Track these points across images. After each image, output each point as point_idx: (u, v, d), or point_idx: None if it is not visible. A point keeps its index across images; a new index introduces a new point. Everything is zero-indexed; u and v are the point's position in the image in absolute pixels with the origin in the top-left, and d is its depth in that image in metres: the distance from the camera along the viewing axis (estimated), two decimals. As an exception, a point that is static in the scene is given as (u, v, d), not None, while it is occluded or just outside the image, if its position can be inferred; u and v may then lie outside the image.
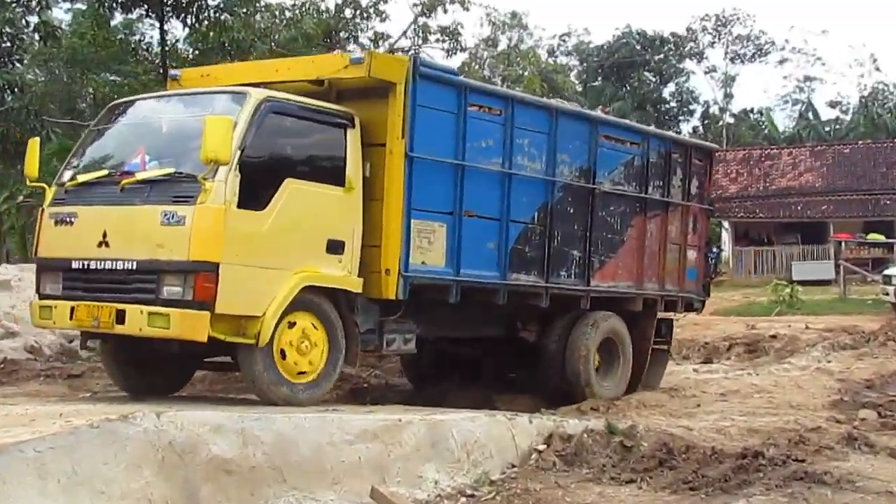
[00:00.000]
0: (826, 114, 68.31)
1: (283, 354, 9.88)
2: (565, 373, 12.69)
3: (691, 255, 14.69)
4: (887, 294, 28.38)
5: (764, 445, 9.71)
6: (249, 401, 10.17)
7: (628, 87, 65.81)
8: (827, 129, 64.13)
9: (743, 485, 8.47)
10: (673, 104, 68.68)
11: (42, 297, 10.45)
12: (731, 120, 69.06)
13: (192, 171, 9.51)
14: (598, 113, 14.46)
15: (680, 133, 58.11)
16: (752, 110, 70.18)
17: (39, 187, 10.68)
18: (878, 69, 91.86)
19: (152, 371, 10.87)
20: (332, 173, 10.40)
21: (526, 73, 36.95)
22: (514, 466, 9.07)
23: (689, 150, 14.80)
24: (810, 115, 64.42)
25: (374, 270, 10.63)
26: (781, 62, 70.75)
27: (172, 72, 12.58)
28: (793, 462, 9.06)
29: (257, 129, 9.82)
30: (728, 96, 69.23)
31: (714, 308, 25.76)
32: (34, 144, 10.73)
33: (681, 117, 68.52)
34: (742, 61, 68.58)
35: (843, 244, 39.21)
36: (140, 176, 9.81)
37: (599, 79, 66.83)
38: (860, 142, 52.11)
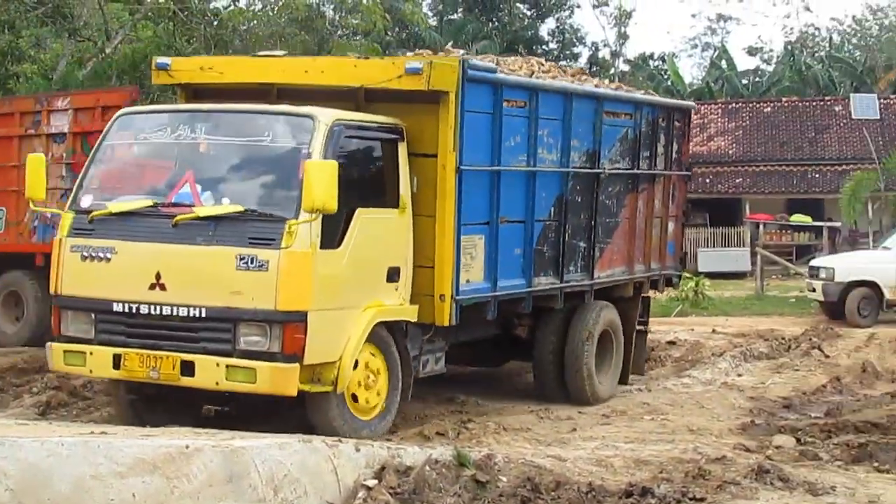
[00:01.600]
0: (743, 63, 70.36)
1: (353, 397, 11.62)
2: (564, 371, 14.83)
3: (671, 227, 17.26)
4: (814, 290, 29.28)
5: (654, 480, 9.95)
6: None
7: (496, 23, 66.20)
8: (744, 81, 65.75)
9: (626, 530, 8.69)
10: (553, 45, 69.31)
11: (64, 339, 11.68)
12: (626, 67, 70.24)
13: (259, 206, 11.11)
14: (604, 89, 16.22)
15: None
16: (651, 56, 71.52)
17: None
18: (807, 9, 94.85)
19: (163, 411, 12.21)
20: (389, 194, 12.09)
21: (364, 1, 36.86)
22: (335, 507, 9.09)
23: (672, 113, 17.05)
24: (724, 63, 65.88)
25: (426, 294, 12.38)
26: (689, -4, 72.50)
27: (160, 60, 13.45)
28: (689, 501, 9.32)
29: (331, 157, 11.17)
30: (622, 37, 70.47)
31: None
32: (37, 161, 11.87)
33: (563, 62, 69.40)
34: (641, -7, 69.98)
35: (760, 227, 40.21)
36: (201, 212, 11.13)
37: (460, 11, 67.11)
38: (784, 99, 53.65)
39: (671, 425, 13.39)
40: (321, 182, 10.62)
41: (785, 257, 39.06)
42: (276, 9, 36.10)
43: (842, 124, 49.11)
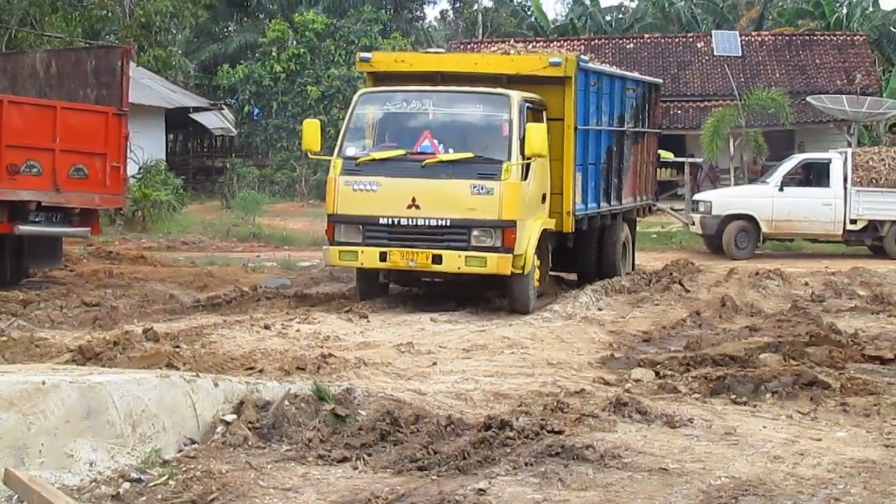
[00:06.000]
0: (607, -1, 70.38)
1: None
2: (601, 265, 21.41)
3: (651, 171, 24.98)
4: (694, 224, 29.81)
5: (513, 413, 10.08)
6: None
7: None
8: (608, 18, 66.25)
9: (485, 462, 8.77)
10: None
11: (338, 244, 17.43)
12: (489, 3, 70.27)
13: (482, 154, 17.19)
14: (632, 73, 25.47)
15: (425, 20, 60.51)
16: (515, -9, 71.50)
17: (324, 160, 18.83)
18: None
19: (383, 287, 18.90)
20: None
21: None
22: (193, 442, 9.08)
23: (651, 87, 24.51)
24: (587, 0, 66.24)
25: (556, 211, 18.82)
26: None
27: (363, 54, 19.65)
28: (547, 434, 9.44)
29: (521, 122, 17.35)
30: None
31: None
32: (313, 125, 17.85)
33: (422, 1, 68.95)
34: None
35: (622, 164, 40.64)
36: (444, 157, 17.15)
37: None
38: (647, 35, 54.18)
39: (531, 359, 13.48)
40: (537, 138, 16.96)
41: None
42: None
43: (704, 61, 49.73)
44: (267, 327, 14.84)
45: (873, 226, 29.20)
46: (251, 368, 11.74)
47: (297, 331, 14.80)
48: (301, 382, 10.32)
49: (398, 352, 13.55)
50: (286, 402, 9.60)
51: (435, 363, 12.99)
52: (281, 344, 13.71)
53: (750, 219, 28.95)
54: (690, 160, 41.56)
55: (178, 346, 12.79)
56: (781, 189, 29.07)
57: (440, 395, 11.00)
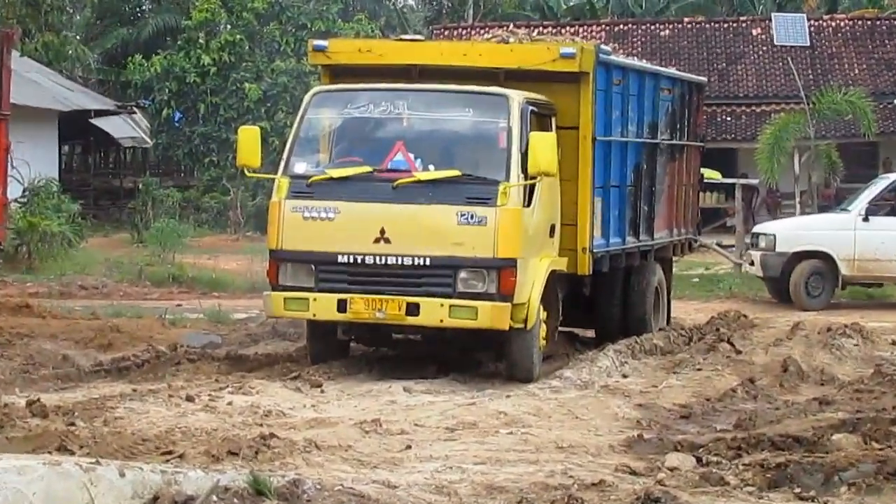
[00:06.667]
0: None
1: None
2: (627, 318, 21.11)
3: (692, 195, 24.79)
4: (752, 264, 29.72)
5: (511, 512, 10.09)
6: None
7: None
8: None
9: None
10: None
11: (283, 289, 17.25)
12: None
13: (472, 172, 17.17)
14: (663, 68, 25.54)
15: None
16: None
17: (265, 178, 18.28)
18: None
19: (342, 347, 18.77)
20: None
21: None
22: (93, 550, 9.06)
23: (692, 87, 24.42)
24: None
25: (569, 248, 18.60)
26: None
27: (317, 42, 19.54)
28: (556, 540, 9.47)
29: (523, 131, 17.18)
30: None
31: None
32: (251, 133, 17.70)
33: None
34: None
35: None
36: (422, 176, 17.00)
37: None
38: (687, 19, 54.44)
39: (535, 441, 13.47)
40: (544, 151, 16.64)
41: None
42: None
43: (761, 53, 50.01)
44: (190, 399, 14.87)
45: None
46: (169, 453, 11.74)
47: (229, 404, 14.81)
48: (233, 472, 10.32)
49: (361, 431, 13.54)
50: (214, 498, 9.57)
51: (409, 446, 12.99)
52: (208, 421, 13.73)
53: (826, 257, 28.77)
54: (743, 181, 41.58)
55: (72, 424, 12.79)
56: (867, 219, 28.73)
57: (416, 488, 11.00)
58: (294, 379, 16.82)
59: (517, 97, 17.43)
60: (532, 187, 17.22)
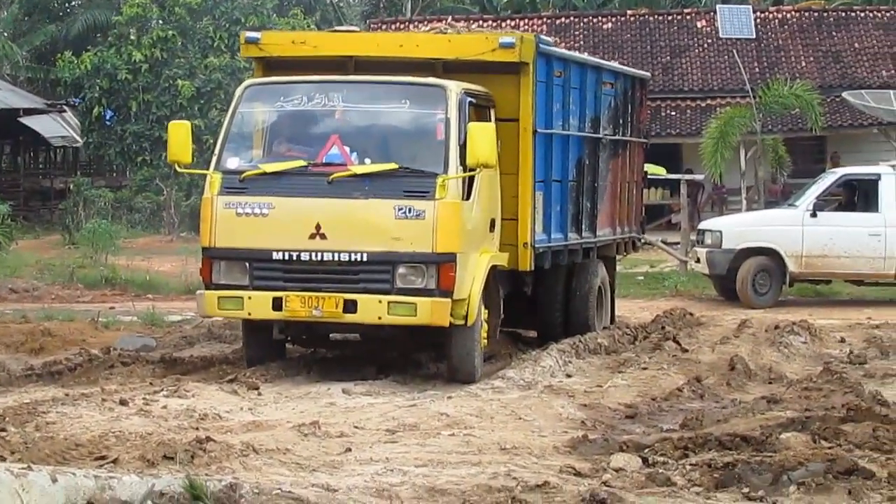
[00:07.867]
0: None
1: None
2: (568, 320, 21.13)
3: (635, 192, 24.82)
4: (698, 261, 29.77)
5: (453, 515, 10.11)
6: None
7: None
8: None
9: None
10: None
11: (216, 287, 17.24)
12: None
13: (410, 165, 17.19)
14: (608, 62, 25.58)
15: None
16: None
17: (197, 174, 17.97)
18: None
19: (279, 348, 18.84)
20: None
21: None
22: (24, 558, 9.05)
23: (636, 82, 24.66)
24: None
25: (509, 243, 18.71)
26: None
27: (250, 34, 19.48)
28: (499, 542, 9.49)
29: (462, 122, 17.24)
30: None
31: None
32: (182, 128, 17.80)
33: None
34: None
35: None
36: (358, 169, 17.12)
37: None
38: (630, 12, 54.34)
39: (477, 442, 13.47)
40: (483, 141, 16.73)
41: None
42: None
43: (706, 45, 50.19)
44: (123, 403, 14.83)
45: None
46: (102, 458, 11.71)
47: (164, 407, 14.78)
48: (169, 476, 10.29)
49: (299, 434, 13.54)
50: (149, 503, 9.56)
51: (349, 449, 12.98)
52: (142, 425, 13.69)
53: (773, 254, 28.81)
54: (688, 177, 41.63)
55: (3, 430, 12.73)
56: (814, 215, 28.74)
57: (356, 491, 11.00)
58: (230, 381, 16.77)
59: (455, 88, 17.46)
60: (471, 181, 17.26)
